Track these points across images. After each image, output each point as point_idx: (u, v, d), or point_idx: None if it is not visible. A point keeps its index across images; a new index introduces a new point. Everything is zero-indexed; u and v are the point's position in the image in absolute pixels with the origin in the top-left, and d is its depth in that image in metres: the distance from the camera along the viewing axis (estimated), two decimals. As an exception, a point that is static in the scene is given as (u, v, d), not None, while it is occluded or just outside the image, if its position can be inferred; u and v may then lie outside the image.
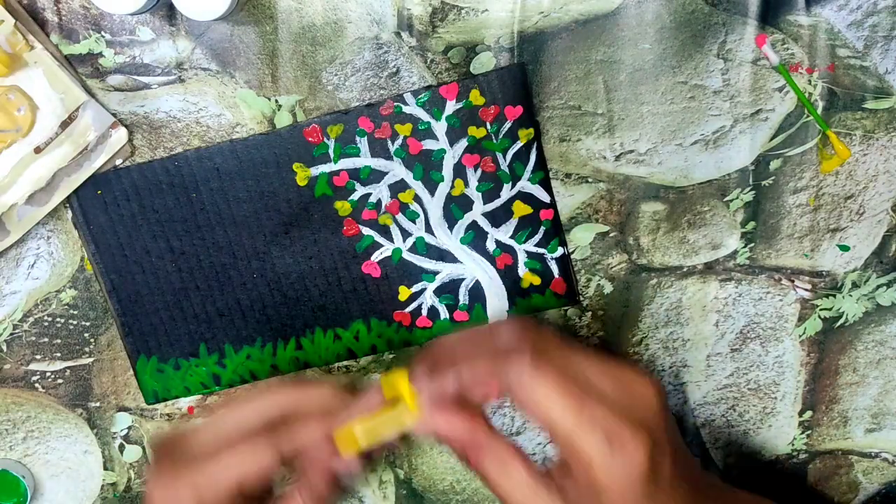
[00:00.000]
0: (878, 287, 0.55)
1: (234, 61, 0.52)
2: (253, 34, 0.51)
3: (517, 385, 0.39)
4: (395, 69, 0.52)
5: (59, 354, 0.55)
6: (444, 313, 0.54)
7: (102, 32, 0.51)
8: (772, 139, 0.53)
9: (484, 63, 0.52)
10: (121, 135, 0.51)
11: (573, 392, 0.38)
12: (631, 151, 0.53)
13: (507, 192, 0.53)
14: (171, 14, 0.51)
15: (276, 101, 0.52)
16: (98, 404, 0.56)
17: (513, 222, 0.53)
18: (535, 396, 0.39)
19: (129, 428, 0.56)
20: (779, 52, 0.52)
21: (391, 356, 0.55)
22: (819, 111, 0.52)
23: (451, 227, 0.53)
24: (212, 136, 0.52)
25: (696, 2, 0.51)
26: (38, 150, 0.49)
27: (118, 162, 0.52)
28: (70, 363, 0.55)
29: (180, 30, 0.51)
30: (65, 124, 0.49)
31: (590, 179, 0.53)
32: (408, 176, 0.53)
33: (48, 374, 0.55)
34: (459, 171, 0.52)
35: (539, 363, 0.39)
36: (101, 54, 0.51)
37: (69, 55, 0.51)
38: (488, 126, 0.52)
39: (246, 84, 0.52)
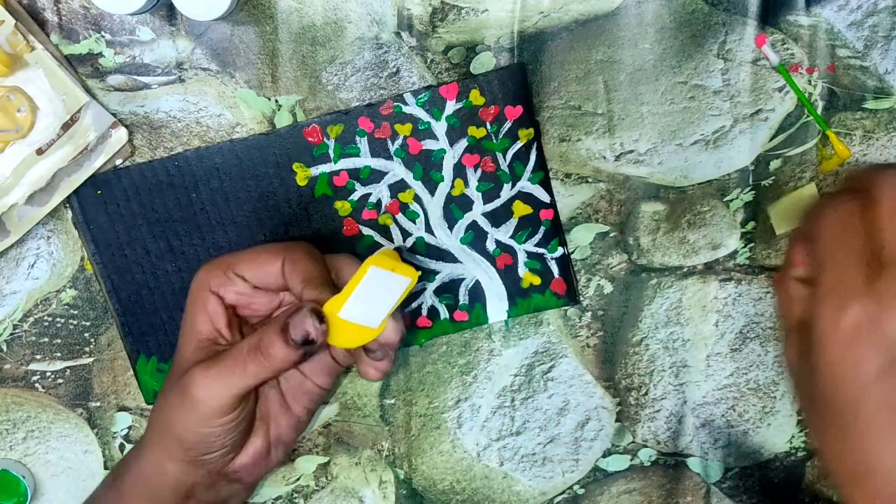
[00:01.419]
0: (878, 287, 0.55)
1: (234, 61, 0.52)
2: (253, 34, 0.51)
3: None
4: (395, 69, 0.52)
5: (59, 354, 0.55)
6: (443, 313, 0.54)
7: (102, 32, 0.51)
8: (772, 139, 0.53)
9: (484, 63, 0.52)
10: (121, 135, 0.51)
11: None
12: (631, 151, 0.53)
13: (507, 192, 0.53)
14: (171, 14, 0.51)
15: (276, 101, 0.52)
16: (98, 404, 0.56)
17: (513, 222, 0.53)
18: None
19: (130, 428, 0.56)
20: (779, 52, 0.52)
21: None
22: (819, 111, 0.52)
23: (451, 227, 0.53)
24: (212, 136, 0.52)
25: (696, 2, 0.51)
26: (40, 152, 0.49)
27: (118, 162, 0.52)
28: (70, 363, 0.55)
29: (180, 30, 0.51)
30: (66, 126, 0.49)
31: (590, 179, 0.53)
32: (408, 176, 0.53)
33: (48, 374, 0.55)
34: (459, 171, 0.52)
35: None
36: (101, 54, 0.51)
37: (69, 55, 0.51)
38: (488, 126, 0.52)
39: (246, 84, 0.52)
